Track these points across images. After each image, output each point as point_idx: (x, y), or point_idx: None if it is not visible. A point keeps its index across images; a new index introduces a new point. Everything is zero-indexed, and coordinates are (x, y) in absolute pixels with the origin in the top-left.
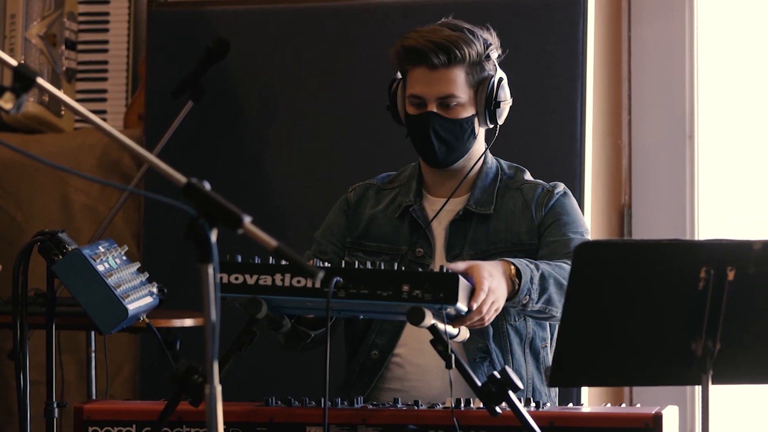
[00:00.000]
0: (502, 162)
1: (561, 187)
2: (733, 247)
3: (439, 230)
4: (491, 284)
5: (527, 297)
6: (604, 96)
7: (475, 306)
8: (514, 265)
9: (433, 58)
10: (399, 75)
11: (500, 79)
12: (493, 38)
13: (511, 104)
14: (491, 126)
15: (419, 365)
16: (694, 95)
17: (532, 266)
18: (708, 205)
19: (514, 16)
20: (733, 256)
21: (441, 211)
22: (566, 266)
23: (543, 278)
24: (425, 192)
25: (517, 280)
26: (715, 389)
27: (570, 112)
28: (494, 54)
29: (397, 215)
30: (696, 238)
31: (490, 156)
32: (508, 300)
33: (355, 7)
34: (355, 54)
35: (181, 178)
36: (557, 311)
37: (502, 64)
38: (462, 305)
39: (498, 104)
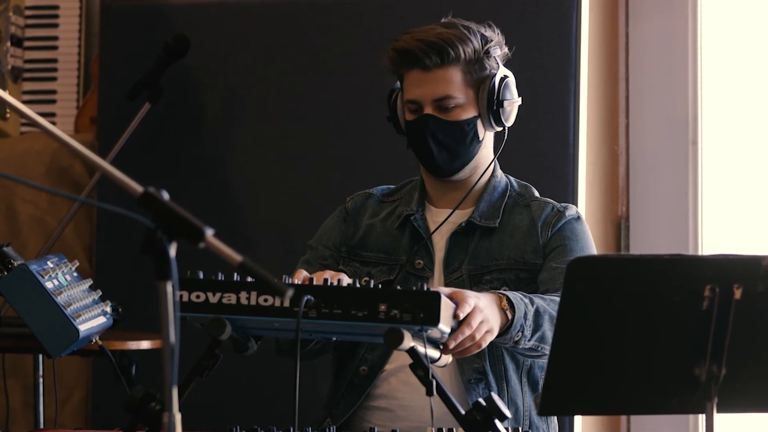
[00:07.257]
0: (512, 179)
1: (573, 210)
2: (740, 263)
3: (440, 243)
4: (478, 303)
5: (520, 333)
6: (599, 98)
7: (461, 315)
8: (506, 296)
9: (425, 59)
10: (398, 84)
11: (503, 78)
12: (495, 35)
13: (519, 104)
14: (498, 128)
15: (409, 383)
16: (698, 97)
17: (527, 300)
18: (712, 216)
19: (500, 9)
20: (740, 273)
21: (443, 223)
22: None
23: (537, 314)
24: (427, 203)
25: (510, 313)
26: (720, 418)
27: (562, 116)
28: (496, 51)
29: (397, 225)
30: (699, 253)
31: (499, 171)
32: (499, 335)
33: (328, 0)
34: (327, 52)
35: (137, 187)
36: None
37: None
38: (445, 327)
39: (501, 104)
